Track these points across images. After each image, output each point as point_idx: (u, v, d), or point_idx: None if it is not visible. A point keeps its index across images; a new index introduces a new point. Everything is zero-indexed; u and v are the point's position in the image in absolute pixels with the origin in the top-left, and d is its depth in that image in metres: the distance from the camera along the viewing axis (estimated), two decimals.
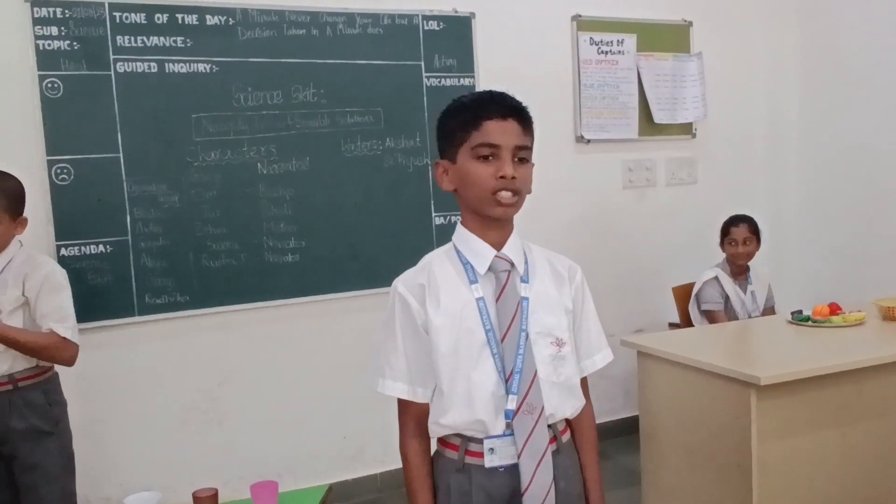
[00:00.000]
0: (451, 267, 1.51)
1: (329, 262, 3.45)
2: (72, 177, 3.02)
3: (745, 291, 3.68)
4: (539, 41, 3.87)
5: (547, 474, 1.45)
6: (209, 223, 3.24)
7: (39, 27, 2.95)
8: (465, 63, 3.67)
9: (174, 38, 3.16)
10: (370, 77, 3.48)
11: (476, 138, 1.44)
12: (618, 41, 4.03)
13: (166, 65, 3.15)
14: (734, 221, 3.69)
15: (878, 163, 3.98)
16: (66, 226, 3.02)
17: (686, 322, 3.77)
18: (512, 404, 1.44)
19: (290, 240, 3.38)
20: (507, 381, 1.45)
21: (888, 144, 3.92)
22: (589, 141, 4.00)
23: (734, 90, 4.36)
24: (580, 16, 3.95)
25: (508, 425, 1.45)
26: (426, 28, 3.59)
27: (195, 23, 3.19)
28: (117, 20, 3.07)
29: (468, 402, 1.45)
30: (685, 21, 4.21)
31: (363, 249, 3.50)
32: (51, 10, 2.97)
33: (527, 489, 1.43)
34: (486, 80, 3.68)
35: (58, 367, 2.49)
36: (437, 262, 1.53)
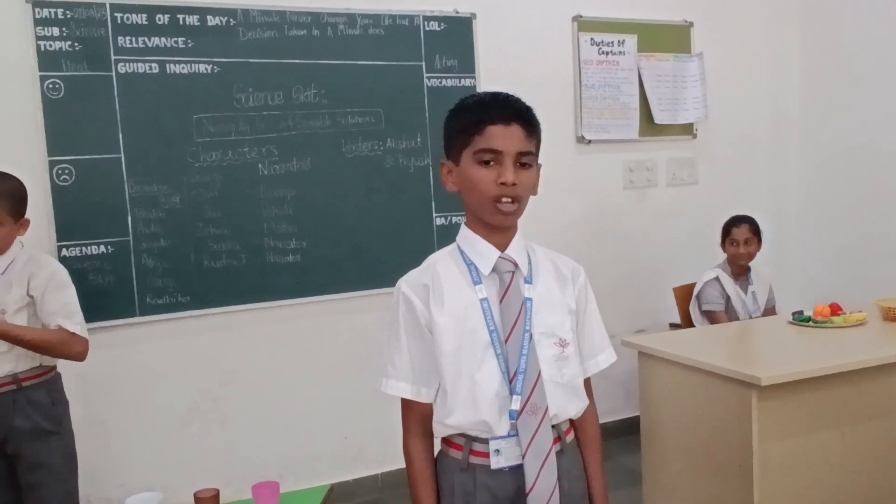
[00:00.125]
0: (455, 267, 1.51)
1: (330, 263, 3.45)
2: (73, 177, 3.02)
3: (745, 292, 3.68)
4: (540, 42, 3.87)
5: (551, 475, 1.45)
6: (210, 224, 3.24)
7: (41, 28, 2.96)
8: (466, 64, 3.67)
9: (175, 38, 3.16)
10: (371, 77, 3.48)
11: (478, 143, 1.44)
12: (618, 42, 4.03)
13: (167, 65, 3.15)
14: (735, 222, 3.69)
15: (879, 163, 3.98)
16: (68, 226, 3.02)
17: (687, 322, 3.77)
18: (516, 405, 1.44)
19: (291, 240, 3.38)
20: (510, 381, 1.45)
21: (890, 144, 3.92)
22: (590, 141, 4.01)
23: (735, 90, 4.36)
24: (581, 16, 3.95)
25: (513, 426, 1.45)
26: (427, 29, 3.59)
27: (196, 23, 3.19)
28: (118, 21, 3.07)
29: (472, 403, 1.46)
30: (686, 21, 4.21)
31: (364, 250, 3.50)
32: (52, 10, 2.97)
33: (531, 490, 1.44)
34: (486, 80, 3.68)
35: (59, 368, 2.50)
36: (442, 262, 1.53)
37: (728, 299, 3.63)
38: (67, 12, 2.99)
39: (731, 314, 3.62)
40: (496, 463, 1.46)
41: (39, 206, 2.89)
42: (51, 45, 2.97)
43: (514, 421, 1.45)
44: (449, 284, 1.49)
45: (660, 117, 4.13)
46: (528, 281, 1.51)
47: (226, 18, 3.23)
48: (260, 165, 3.31)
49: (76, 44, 3.01)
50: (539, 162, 1.51)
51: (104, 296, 3.06)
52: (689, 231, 4.25)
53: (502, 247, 1.50)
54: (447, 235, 3.55)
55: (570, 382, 1.52)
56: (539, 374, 1.46)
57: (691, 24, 4.21)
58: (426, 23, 3.59)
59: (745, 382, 2.33)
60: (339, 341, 3.52)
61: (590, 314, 1.61)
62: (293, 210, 3.37)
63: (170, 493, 2.92)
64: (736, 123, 4.39)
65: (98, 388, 3.08)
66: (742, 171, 4.44)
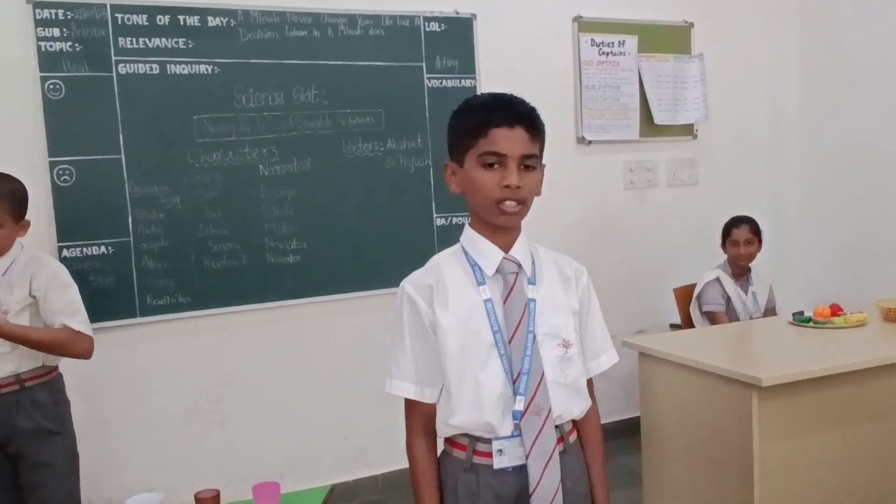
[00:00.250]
0: (459, 268, 1.51)
1: (330, 263, 3.45)
2: (73, 178, 3.02)
3: (746, 292, 3.68)
4: (540, 42, 3.87)
5: (555, 475, 1.45)
6: (211, 224, 3.24)
7: (41, 28, 2.96)
8: (467, 64, 3.68)
9: (176, 39, 3.16)
10: (371, 78, 3.48)
11: (482, 146, 1.44)
12: (619, 42, 4.04)
13: (168, 66, 3.15)
14: (736, 222, 3.70)
15: (879, 163, 3.98)
16: (68, 227, 3.02)
17: (687, 323, 3.77)
18: (519, 405, 1.44)
19: (292, 241, 3.38)
20: (514, 382, 1.45)
21: (889, 145, 3.92)
22: (590, 142, 4.01)
23: (735, 91, 4.36)
24: (581, 17, 3.95)
25: (516, 426, 1.46)
26: (427, 29, 3.59)
27: (197, 24, 3.19)
28: (119, 22, 3.07)
29: (476, 403, 1.46)
30: (686, 22, 4.21)
31: (365, 250, 3.50)
32: (53, 11, 2.97)
33: (535, 490, 1.44)
34: (487, 81, 3.68)
35: (61, 368, 2.50)
36: (446, 263, 1.53)
37: (728, 300, 3.63)
38: (68, 13, 2.99)
39: (731, 315, 3.62)
40: (499, 463, 1.46)
41: (40, 207, 2.89)
42: (51, 46, 2.98)
43: (517, 421, 1.45)
44: (453, 285, 1.49)
45: (660, 118, 4.13)
46: (532, 282, 1.51)
47: (226, 19, 3.23)
48: (260, 166, 3.31)
49: (77, 44, 3.01)
50: (543, 163, 1.51)
51: (105, 296, 3.06)
52: (689, 232, 4.25)
53: (506, 248, 1.50)
54: (448, 236, 3.57)
55: (574, 383, 1.52)
56: (542, 374, 1.47)
57: (691, 25, 4.22)
58: (426, 23, 3.59)
59: (745, 383, 2.33)
60: (339, 342, 3.52)
61: (592, 315, 1.61)
62: (294, 211, 3.37)
63: (170, 493, 2.92)
64: (736, 124, 4.39)
65: (99, 389, 3.08)
66: (742, 171, 4.44)
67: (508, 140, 1.43)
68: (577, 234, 3.95)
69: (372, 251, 3.51)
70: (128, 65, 3.09)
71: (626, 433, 3.70)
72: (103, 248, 3.08)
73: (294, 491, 2.52)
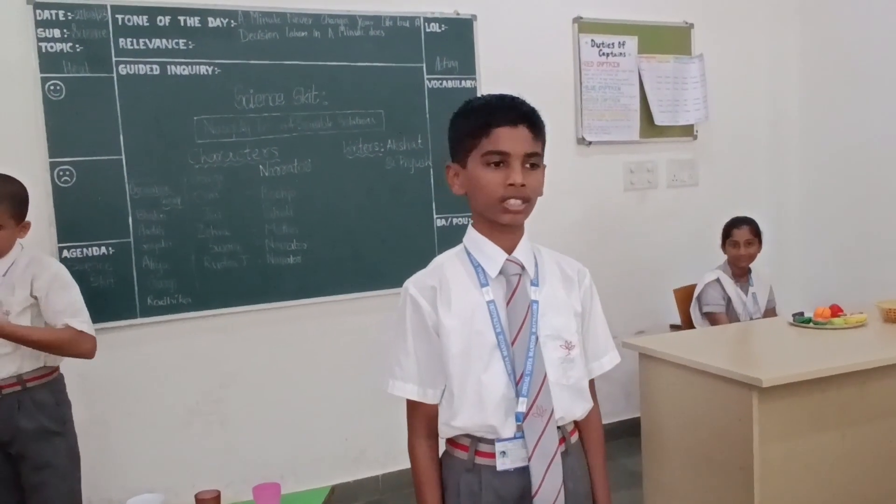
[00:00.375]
0: (462, 269, 1.51)
1: (331, 264, 3.45)
2: (74, 179, 3.02)
3: (746, 293, 3.68)
4: (540, 43, 3.87)
5: (557, 476, 1.46)
6: (211, 225, 3.24)
7: (42, 29, 2.96)
8: (467, 65, 3.68)
9: (176, 40, 3.16)
10: (372, 79, 3.48)
11: (486, 145, 1.44)
12: (619, 43, 4.04)
13: (168, 67, 3.16)
14: (736, 223, 3.70)
15: (879, 164, 3.98)
16: (69, 228, 3.02)
17: (687, 324, 3.77)
18: (522, 407, 1.45)
19: (292, 242, 3.38)
20: (517, 383, 1.46)
21: (890, 145, 3.92)
22: (590, 143, 4.01)
23: (735, 92, 4.36)
24: (581, 18, 3.96)
25: (519, 428, 1.46)
26: (428, 30, 3.59)
27: (197, 25, 3.19)
28: (119, 22, 3.07)
29: (479, 405, 1.46)
30: (686, 23, 4.21)
31: (365, 251, 3.50)
32: (53, 12, 2.97)
33: (537, 491, 1.44)
34: (487, 82, 3.69)
35: (61, 368, 2.50)
36: (449, 264, 1.53)
37: (729, 301, 3.64)
38: (68, 14, 2.99)
39: (731, 316, 3.62)
40: (502, 465, 1.46)
41: (40, 208, 2.89)
42: (52, 47, 2.98)
43: (520, 423, 1.45)
44: (456, 286, 1.49)
45: (660, 119, 4.13)
46: (535, 283, 1.52)
47: (227, 20, 3.23)
48: (261, 167, 3.31)
49: (77, 45, 3.01)
50: (544, 163, 1.52)
51: (105, 297, 3.06)
52: (689, 232, 4.25)
53: (509, 249, 1.51)
54: (448, 237, 3.57)
55: (576, 384, 1.53)
56: (545, 376, 1.47)
57: (692, 26, 4.22)
58: (427, 24, 3.59)
59: (745, 384, 2.33)
60: (339, 343, 3.52)
61: (595, 316, 1.61)
62: (294, 211, 3.37)
63: (171, 494, 2.92)
64: (736, 125, 4.39)
65: (99, 390, 3.09)
66: (742, 172, 4.44)
67: (512, 139, 1.44)
68: (578, 234, 3.95)
69: (372, 252, 3.51)
70: (128, 65, 3.09)
71: (626, 434, 3.70)
72: (104, 249, 3.08)
73: (294, 492, 2.52)
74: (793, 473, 2.39)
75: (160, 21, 3.13)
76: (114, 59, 3.07)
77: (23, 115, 2.96)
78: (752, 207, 4.02)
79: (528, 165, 1.46)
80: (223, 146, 3.25)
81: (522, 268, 1.50)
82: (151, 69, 3.13)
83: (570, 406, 1.52)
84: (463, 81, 3.67)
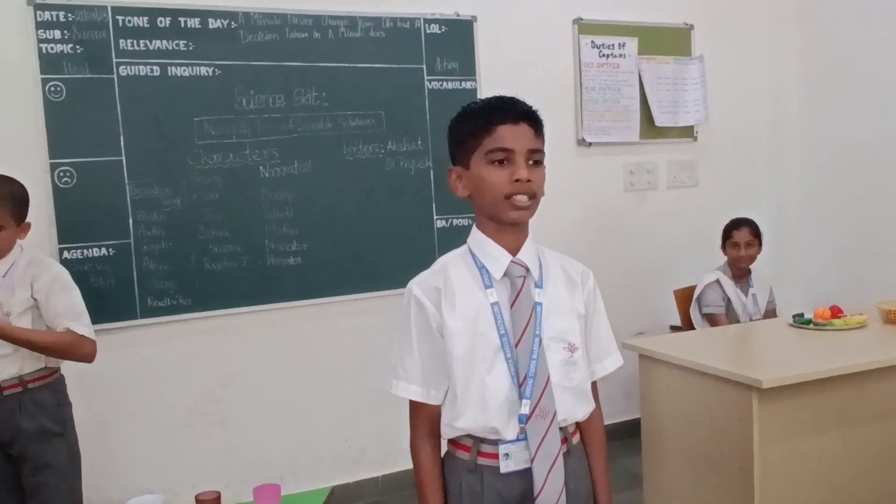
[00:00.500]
0: (466, 271, 1.51)
1: (331, 265, 3.45)
2: (74, 180, 3.03)
3: (746, 294, 3.68)
4: (541, 44, 3.87)
5: (559, 478, 1.46)
6: (211, 226, 3.24)
7: (42, 30, 2.96)
8: (467, 66, 3.68)
9: (176, 41, 3.17)
10: (372, 80, 3.48)
11: (489, 143, 1.45)
12: (619, 44, 4.04)
13: (169, 68, 3.16)
14: (736, 224, 3.70)
15: (879, 165, 3.98)
16: (69, 229, 3.02)
17: (687, 325, 3.77)
18: (525, 409, 1.45)
19: (292, 243, 3.38)
20: (520, 385, 1.46)
21: (890, 146, 3.92)
22: (590, 144, 4.01)
23: (735, 93, 4.36)
24: (582, 19, 3.96)
25: (522, 430, 1.46)
26: (428, 31, 3.59)
27: (197, 26, 3.19)
28: (120, 24, 3.07)
29: (482, 406, 1.46)
30: (686, 24, 4.22)
31: (365, 252, 3.50)
32: (54, 13, 2.98)
33: (539, 493, 1.44)
34: (487, 83, 3.69)
35: (62, 369, 2.50)
36: (453, 265, 1.53)
37: (728, 302, 3.63)
38: (69, 15, 3.00)
39: (731, 317, 3.62)
40: (505, 467, 1.46)
41: (41, 209, 2.89)
42: (52, 48, 2.98)
43: (523, 425, 1.46)
44: (460, 288, 1.49)
45: (660, 120, 4.13)
46: (539, 285, 1.52)
47: (227, 21, 3.24)
48: (261, 168, 3.32)
49: (78, 46, 3.01)
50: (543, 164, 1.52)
51: (105, 298, 3.06)
52: (689, 233, 4.25)
53: (514, 250, 1.51)
54: (448, 238, 3.58)
55: (578, 387, 1.53)
56: (548, 378, 1.47)
57: (692, 27, 4.22)
58: (427, 25, 3.59)
59: (745, 385, 2.33)
60: (339, 344, 3.52)
61: (598, 318, 1.62)
62: (294, 212, 3.37)
63: (171, 495, 2.92)
64: (736, 126, 4.39)
65: (99, 390, 3.09)
66: (742, 173, 4.44)
67: (514, 136, 1.45)
68: (578, 235, 3.95)
69: (372, 253, 3.51)
70: (128, 67, 3.10)
71: (626, 435, 3.70)
72: (104, 250, 3.08)
73: (295, 493, 2.52)
74: (793, 474, 2.39)
75: (160, 22, 3.14)
76: (114, 60, 3.07)
77: (23, 116, 2.96)
78: (752, 208, 4.02)
79: (531, 162, 1.46)
80: (223, 147, 3.25)
81: (527, 270, 1.50)
82: (152, 70, 3.13)
83: (573, 408, 1.52)
84: (463, 82, 3.67)
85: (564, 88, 3.95)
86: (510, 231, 1.50)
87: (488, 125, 1.45)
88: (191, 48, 3.19)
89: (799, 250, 4.46)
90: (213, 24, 3.22)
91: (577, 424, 1.59)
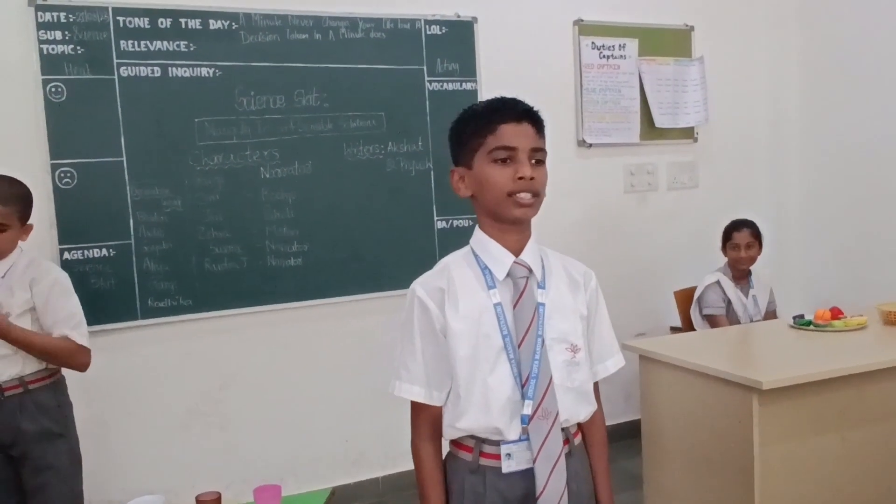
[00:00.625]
0: (469, 271, 1.52)
1: (331, 266, 3.45)
2: (75, 181, 3.03)
3: (746, 295, 3.68)
4: (541, 45, 3.87)
5: (561, 478, 1.46)
6: (212, 227, 3.24)
7: (43, 31, 2.96)
8: (468, 67, 3.68)
9: (177, 42, 3.17)
10: (373, 81, 3.49)
11: (492, 142, 1.46)
12: (619, 45, 4.04)
13: (169, 69, 3.16)
14: (736, 226, 3.70)
15: (879, 166, 3.98)
16: (70, 229, 3.02)
17: (688, 326, 3.77)
18: (528, 409, 1.45)
19: (293, 243, 3.39)
20: (522, 386, 1.46)
21: (889, 147, 3.92)
22: (591, 145, 4.01)
23: (736, 94, 4.37)
24: (582, 20, 3.96)
25: (524, 430, 1.46)
26: (428, 32, 3.59)
27: (198, 27, 3.19)
28: (121, 25, 3.07)
29: (484, 407, 1.47)
30: (687, 26, 4.22)
31: (365, 253, 3.50)
32: (55, 14, 2.98)
33: (541, 493, 1.45)
34: (488, 84, 3.69)
35: (63, 370, 2.50)
36: (456, 266, 1.54)
37: (729, 303, 3.64)
38: (70, 16, 3.00)
39: (731, 318, 3.62)
40: (508, 467, 1.47)
41: (41, 210, 2.89)
42: (53, 49, 2.98)
43: (525, 425, 1.46)
44: (463, 289, 1.50)
45: (660, 121, 4.13)
46: (541, 286, 1.52)
47: (228, 22, 3.24)
48: (261, 169, 3.32)
49: (79, 47, 3.01)
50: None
51: (106, 299, 3.07)
52: (689, 234, 4.25)
53: (516, 251, 1.51)
54: (448, 239, 3.58)
55: (581, 387, 1.53)
56: (551, 379, 1.47)
57: (692, 29, 4.22)
58: (427, 27, 3.60)
59: (746, 386, 2.33)
60: (339, 344, 3.52)
61: (600, 319, 1.63)
62: (294, 213, 3.38)
63: (171, 495, 2.91)
64: (737, 127, 4.40)
65: (99, 391, 3.08)
66: (742, 174, 4.44)
67: (517, 134, 1.46)
68: (578, 236, 3.95)
69: (372, 254, 3.51)
70: (129, 67, 3.10)
71: (626, 436, 3.70)
72: (104, 251, 3.09)
73: (295, 493, 2.53)
74: (793, 475, 2.39)
75: (161, 23, 3.14)
76: (115, 60, 3.08)
77: (24, 117, 2.96)
78: (752, 210, 4.03)
79: (533, 161, 1.47)
80: (224, 148, 3.25)
81: (529, 270, 1.51)
82: (152, 71, 3.14)
83: (575, 408, 1.53)
84: (463, 84, 3.67)
85: (565, 89, 3.96)
86: (513, 231, 1.51)
87: (491, 124, 1.46)
88: (191, 49, 3.19)
89: (799, 251, 4.46)
90: (214, 25, 3.22)
91: (579, 425, 1.59)
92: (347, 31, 3.44)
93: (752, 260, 3.68)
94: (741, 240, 3.65)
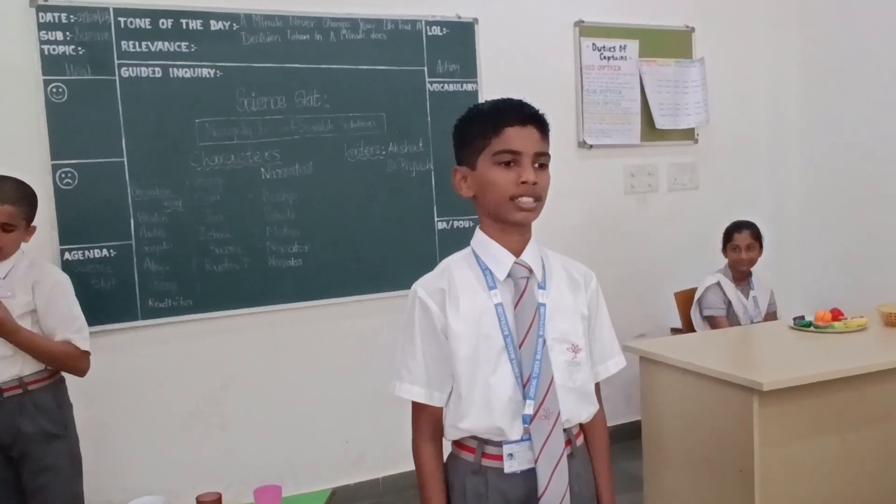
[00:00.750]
0: (470, 272, 1.52)
1: (332, 267, 3.45)
2: (76, 181, 3.03)
3: (747, 297, 3.68)
4: (542, 47, 3.87)
5: (562, 479, 1.47)
6: (212, 227, 3.24)
7: (45, 32, 2.97)
8: (468, 68, 3.68)
9: (178, 43, 3.17)
10: (373, 82, 3.49)
11: (497, 145, 1.46)
12: (620, 47, 4.04)
13: (170, 70, 3.16)
14: (737, 227, 3.70)
15: (880, 168, 3.98)
16: (70, 230, 3.02)
17: (688, 327, 3.77)
18: (529, 409, 1.46)
19: (293, 244, 3.39)
20: (524, 386, 1.47)
21: (890, 149, 3.92)
22: (591, 146, 4.01)
23: (736, 95, 4.37)
24: (583, 21, 3.96)
25: (525, 430, 1.47)
26: (429, 33, 3.60)
27: (199, 28, 3.20)
28: (122, 25, 3.08)
29: (486, 407, 1.47)
30: (687, 27, 4.22)
31: (366, 254, 3.51)
32: (56, 15, 2.98)
33: (543, 494, 1.45)
34: (488, 85, 3.69)
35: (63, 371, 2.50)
36: (457, 267, 1.54)
37: (729, 304, 3.64)
38: (71, 17, 3.00)
39: (732, 319, 3.62)
40: (509, 467, 1.47)
41: (42, 210, 2.86)
42: (54, 50, 2.98)
43: (526, 425, 1.46)
44: (464, 289, 1.50)
45: (661, 122, 4.13)
46: (542, 286, 1.52)
47: (229, 23, 3.24)
48: (262, 169, 3.32)
49: (80, 48, 3.02)
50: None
51: (106, 299, 3.07)
52: (690, 236, 4.25)
53: (517, 251, 1.52)
54: (449, 240, 3.58)
55: (582, 387, 1.54)
56: (552, 379, 1.48)
57: (692, 30, 4.22)
58: (428, 28, 3.60)
59: (746, 387, 2.33)
60: (340, 345, 3.52)
61: (601, 319, 1.63)
62: (295, 214, 3.38)
63: (171, 496, 2.90)
64: (737, 128, 4.40)
65: (100, 392, 3.08)
66: (743, 175, 4.44)
67: (522, 138, 1.46)
68: (578, 238, 3.95)
69: (373, 255, 3.51)
70: (130, 68, 3.10)
71: (626, 437, 3.69)
72: (105, 252, 3.09)
73: (295, 494, 2.52)
74: (793, 477, 2.39)
75: (162, 24, 3.14)
76: (116, 61, 3.08)
77: (25, 118, 2.96)
78: (753, 211, 4.03)
79: (537, 165, 1.47)
80: (225, 149, 3.25)
81: (530, 271, 1.51)
82: (153, 72, 3.14)
83: (576, 409, 1.53)
84: (464, 85, 3.67)
85: (565, 91, 3.96)
86: (514, 232, 1.51)
87: (496, 126, 1.46)
88: (192, 50, 3.19)
89: (799, 253, 4.46)
90: (215, 25, 3.22)
91: (581, 426, 1.59)
92: (348, 31, 3.44)
93: (753, 261, 3.68)
94: (741, 241, 3.65)
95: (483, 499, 1.49)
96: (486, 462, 1.50)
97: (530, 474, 1.47)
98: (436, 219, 3.63)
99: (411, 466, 1.58)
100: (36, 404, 2.36)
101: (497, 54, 3.73)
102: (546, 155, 1.50)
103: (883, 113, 3.94)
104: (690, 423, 2.61)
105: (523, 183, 1.44)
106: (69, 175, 3.02)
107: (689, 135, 4.26)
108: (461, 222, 3.63)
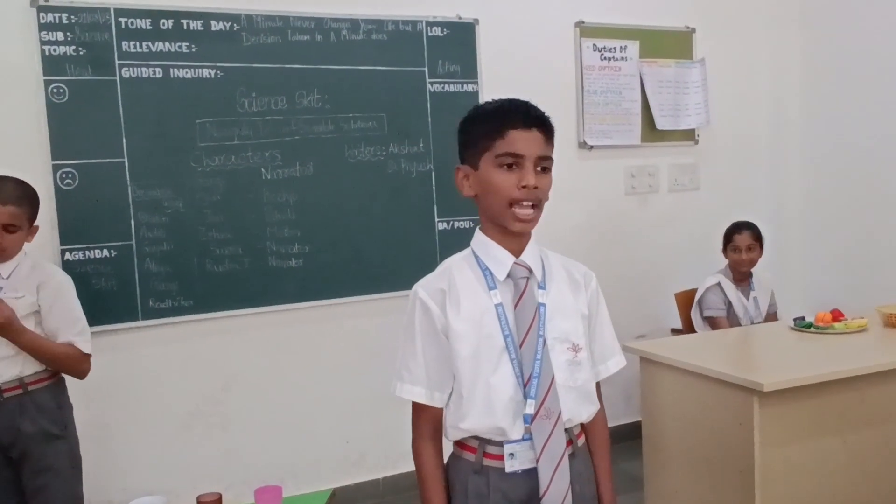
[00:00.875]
0: (470, 273, 1.52)
1: (332, 267, 3.45)
2: (76, 181, 3.03)
3: (747, 298, 3.68)
4: (542, 47, 3.88)
5: (564, 478, 1.47)
6: (213, 228, 3.25)
7: (45, 32, 2.97)
8: (469, 69, 3.68)
9: (179, 43, 3.17)
10: (374, 83, 3.49)
11: (500, 147, 1.46)
12: (621, 48, 4.04)
13: (171, 70, 3.16)
14: (737, 228, 3.70)
15: (880, 169, 3.98)
16: (71, 230, 3.03)
17: (688, 328, 3.77)
18: (530, 409, 1.46)
19: (294, 245, 3.39)
20: (525, 386, 1.47)
21: (891, 150, 3.92)
22: (592, 147, 4.01)
23: (737, 96, 4.37)
24: (583, 22, 3.96)
25: (527, 430, 1.47)
26: (430, 34, 3.60)
27: (200, 29, 3.20)
28: (123, 26, 3.08)
29: (487, 407, 1.47)
30: (688, 28, 4.22)
31: (366, 254, 3.51)
32: (57, 15, 2.98)
33: (545, 493, 1.45)
34: (489, 86, 3.69)
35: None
36: (457, 267, 1.54)
37: (730, 305, 3.64)
38: (72, 17, 3.00)
39: (732, 320, 3.62)
40: (511, 467, 1.47)
41: (43, 210, 2.85)
42: (55, 50, 2.99)
43: (528, 425, 1.47)
44: (465, 290, 1.50)
45: (661, 123, 4.13)
46: (542, 286, 1.53)
47: (229, 23, 3.24)
48: (263, 170, 3.32)
49: (80, 48, 3.02)
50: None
51: (107, 300, 3.07)
52: (690, 237, 4.25)
53: (517, 252, 1.52)
54: (449, 240, 3.58)
55: (583, 387, 1.54)
56: (553, 378, 1.48)
57: (693, 31, 4.23)
58: (429, 28, 3.60)
59: (746, 388, 2.33)
60: (340, 345, 3.52)
61: (601, 319, 1.63)
62: (296, 215, 3.38)
63: (172, 497, 2.90)
64: (738, 129, 4.40)
65: (100, 392, 3.08)
66: (743, 176, 4.44)
67: (525, 141, 1.46)
68: (578, 238, 3.95)
69: (374, 255, 3.51)
70: (131, 69, 3.10)
71: (626, 438, 3.69)
72: (106, 252, 3.09)
73: (295, 495, 2.52)
74: (793, 478, 2.39)
75: (163, 24, 3.14)
76: (117, 62, 3.08)
77: (26, 118, 2.96)
78: (753, 211, 4.03)
79: (539, 168, 1.47)
80: (225, 149, 3.26)
81: (530, 271, 1.51)
82: (154, 72, 3.14)
83: (577, 408, 1.53)
84: (465, 85, 3.67)
85: (566, 91, 3.96)
86: (513, 233, 1.51)
87: (500, 128, 1.46)
88: (193, 50, 3.19)
89: (800, 254, 4.46)
90: (216, 26, 3.22)
91: (582, 426, 1.59)
92: (349, 32, 3.44)
93: (753, 262, 3.68)
94: (742, 242, 3.65)
95: (484, 498, 1.50)
96: (487, 462, 1.50)
97: (532, 474, 1.47)
98: (436, 219, 3.63)
99: (412, 467, 1.58)
100: (36, 404, 2.36)
101: (497, 55, 3.74)
102: (549, 159, 1.49)
103: (883, 113, 3.94)
104: (691, 424, 2.61)
105: (524, 187, 1.44)
106: (70, 175, 3.02)
107: (689, 135, 4.26)
108: (461, 223, 3.63)
